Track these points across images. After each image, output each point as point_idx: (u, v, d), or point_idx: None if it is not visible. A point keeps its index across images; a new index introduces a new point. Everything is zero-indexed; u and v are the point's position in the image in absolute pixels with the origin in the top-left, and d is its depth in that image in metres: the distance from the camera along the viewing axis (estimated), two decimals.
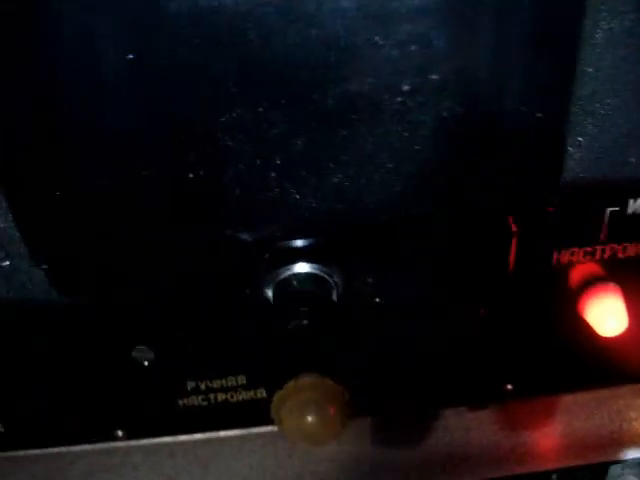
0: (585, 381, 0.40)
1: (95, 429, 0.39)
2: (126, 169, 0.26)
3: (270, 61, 0.24)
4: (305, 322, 0.30)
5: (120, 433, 0.39)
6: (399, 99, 0.26)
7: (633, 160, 0.31)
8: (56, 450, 0.40)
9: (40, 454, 0.40)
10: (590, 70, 0.29)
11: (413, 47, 0.24)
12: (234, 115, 0.25)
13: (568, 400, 0.41)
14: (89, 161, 0.26)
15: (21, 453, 0.40)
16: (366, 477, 0.38)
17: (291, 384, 0.35)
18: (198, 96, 0.24)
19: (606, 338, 0.35)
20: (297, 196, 0.28)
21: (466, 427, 0.40)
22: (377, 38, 0.24)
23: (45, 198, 0.26)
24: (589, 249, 0.34)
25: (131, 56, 0.23)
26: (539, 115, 0.27)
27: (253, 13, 0.23)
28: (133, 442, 0.39)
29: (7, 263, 0.31)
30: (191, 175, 0.26)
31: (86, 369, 0.36)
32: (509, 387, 0.39)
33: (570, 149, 0.30)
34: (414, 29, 0.24)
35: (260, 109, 0.25)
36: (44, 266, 0.29)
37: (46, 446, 0.40)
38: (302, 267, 0.30)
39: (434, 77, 0.25)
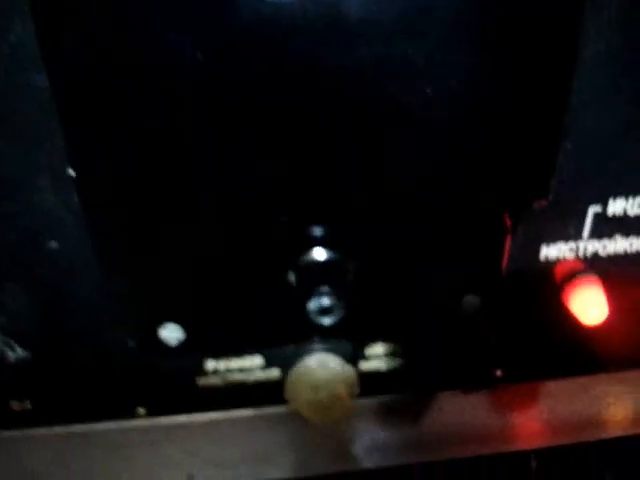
0: (568, 368, 0.44)
1: (117, 407, 0.42)
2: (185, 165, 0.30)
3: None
4: (323, 301, 0.33)
5: (141, 411, 0.42)
6: (404, 105, 0.30)
7: (614, 165, 0.35)
8: (79, 427, 0.43)
9: (64, 431, 0.43)
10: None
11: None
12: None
13: (552, 386, 0.44)
14: None
15: (46, 430, 0.43)
16: (369, 452, 0.42)
17: (304, 364, 0.39)
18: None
19: (588, 327, 0.39)
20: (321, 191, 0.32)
21: (460, 409, 0.43)
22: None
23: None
24: (573, 245, 0.38)
25: None
26: (537, 124, 0.31)
27: None
28: (153, 420, 0.42)
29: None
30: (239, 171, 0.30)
31: (113, 349, 0.39)
32: (499, 373, 0.43)
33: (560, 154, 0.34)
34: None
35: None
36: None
37: (70, 423, 0.43)
38: (320, 253, 0.34)
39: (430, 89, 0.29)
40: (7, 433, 0.42)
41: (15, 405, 0.41)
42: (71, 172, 0.29)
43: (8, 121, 0.30)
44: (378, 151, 0.31)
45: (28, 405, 0.41)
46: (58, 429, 0.43)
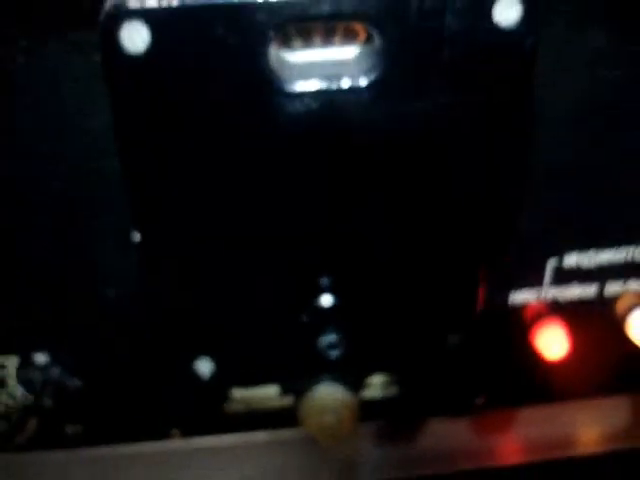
0: (540, 397, 0.51)
1: (155, 429, 0.49)
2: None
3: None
4: (332, 337, 0.41)
5: (176, 432, 0.49)
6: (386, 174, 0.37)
7: (567, 224, 0.43)
8: (121, 449, 0.50)
9: (108, 452, 0.50)
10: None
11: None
12: None
13: (526, 412, 0.51)
14: None
15: (92, 450, 0.50)
16: (370, 469, 0.49)
17: (314, 392, 0.46)
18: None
19: (552, 361, 0.46)
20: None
21: (447, 431, 0.50)
22: None
23: None
24: (536, 292, 0.45)
25: None
26: (505, 198, 0.39)
27: None
28: (186, 441, 0.50)
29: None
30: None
31: (154, 378, 0.46)
32: (480, 401, 0.49)
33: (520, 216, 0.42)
34: None
35: None
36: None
37: (114, 443, 0.50)
38: (328, 299, 0.42)
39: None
40: (58, 454, 0.50)
41: (69, 429, 0.48)
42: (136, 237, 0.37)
43: (80, 199, 0.38)
44: (375, 224, 0.39)
45: (80, 429, 0.48)
46: (103, 450, 0.50)
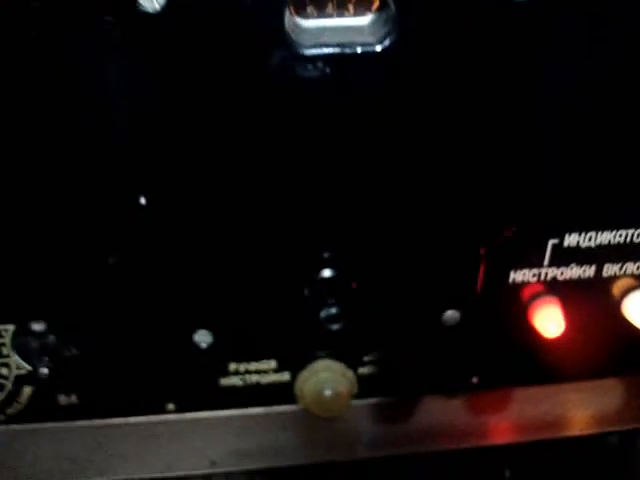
0: (535, 378, 0.51)
1: (150, 402, 0.49)
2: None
3: None
4: (332, 310, 0.41)
5: (171, 406, 0.49)
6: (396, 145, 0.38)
7: (569, 204, 0.43)
8: (117, 420, 0.50)
9: (103, 423, 0.50)
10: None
11: None
12: None
13: (522, 392, 0.51)
14: None
15: (87, 422, 0.49)
16: (363, 446, 0.49)
17: (312, 366, 0.46)
18: None
19: (549, 340, 0.46)
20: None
21: (442, 410, 0.50)
22: None
23: None
24: (536, 271, 0.45)
25: None
26: (507, 175, 0.39)
27: None
28: (181, 415, 0.49)
29: None
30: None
31: (151, 351, 0.46)
32: (475, 380, 0.50)
33: (522, 196, 0.42)
34: None
35: None
36: None
37: (110, 416, 0.50)
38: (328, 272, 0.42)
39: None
40: (53, 424, 0.49)
41: (62, 399, 0.48)
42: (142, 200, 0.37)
43: (79, 164, 0.38)
44: (377, 201, 0.40)
45: (74, 400, 0.48)
46: (98, 421, 0.49)
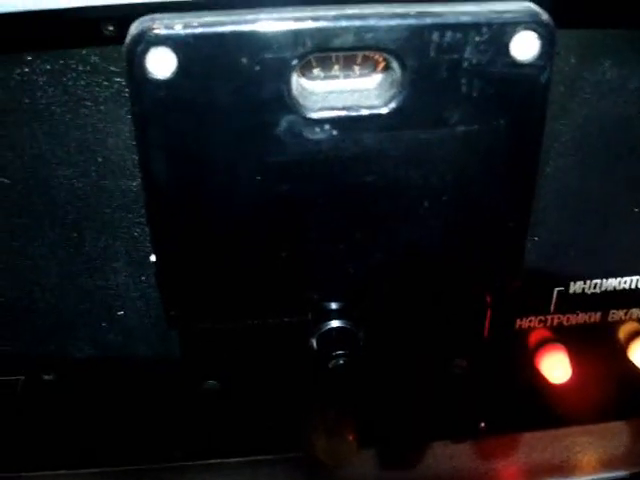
0: (542, 422, 0.51)
1: (159, 451, 0.49)
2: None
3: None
4: (340, 361, 0.41)
5: (178, 454, 0.49)
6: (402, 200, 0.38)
7: (572, 254, 0.44)
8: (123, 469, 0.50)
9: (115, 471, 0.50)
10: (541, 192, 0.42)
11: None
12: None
13: (528, 436, 0.52)
14: None
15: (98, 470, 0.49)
16: None
17: (322, 416, 0.46)
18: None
19: (555, 385, 0.47)
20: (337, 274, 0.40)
21: (450, 455, 0.50)
22: None
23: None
24: (542, 318, 0.46)
25: None
26: (509, 224, 0.39)
27: None
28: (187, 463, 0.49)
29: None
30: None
31: (164, 400, 0.46)
32: (483, 425, 0.51)
33: (528, 245, 0.43)
34: None
35: None
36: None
37: (117, 466, 0.50)
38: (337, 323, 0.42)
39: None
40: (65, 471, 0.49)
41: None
42: (152, 258, 0.37)
43: (97, 215, 0.39)
44: (384, 254, 0.39)
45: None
46: (110, 469, 0.49)
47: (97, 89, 0.36)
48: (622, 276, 0.45)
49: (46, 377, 0.44)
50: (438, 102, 0.34)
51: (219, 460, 0.50)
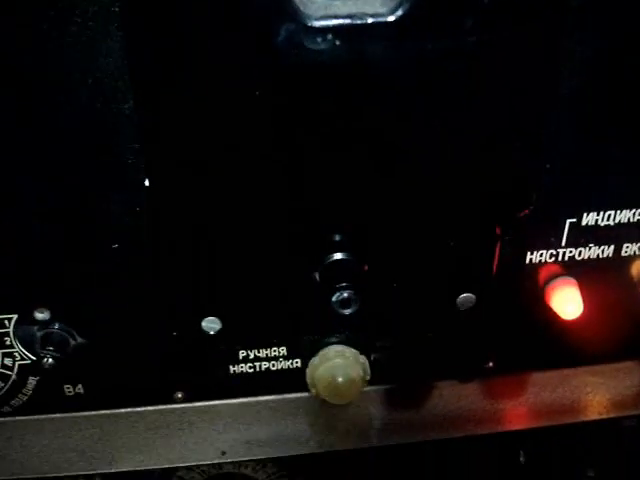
0: (551, 361, 0.50)
1: (159, 392, 0.48)
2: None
3: None
4: (344, 294, 0.40)
5: (180, 395, 0.48)
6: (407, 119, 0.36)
7: (586, 182, 0.42)
8: (124, 410, 0.49)
9: (110, 413, 0.49)
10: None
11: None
12: None
13: (538, 376, 0.51)
14: None
15: (93, 412, 0.49)
16: (376, 433, 0.48)
17: (324, 352, 0.45)
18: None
19: (567, 322, 0.45)
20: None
21: (457, 395, 0.49)
22: None
23: None
24: (553, 252, 0.44)
25: None
26: (518, 148, 0.38)
27: None
28: (189, 404, 0.48)
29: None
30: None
31: (159, 339, 0.45)
32: (491, 365, 0.49)
33: (539, 172, 0.41)
34: None
35: None
36: None
37: (115, 407, 0.49)
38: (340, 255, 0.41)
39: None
40: (58, 415, 0.48)
41: (68, 390, 0.47)
42: (147, 182, 0.36)
43: (94, 141, 0.37)
44: (389, 180, 0.38)
45: (80, 390, 0.47)
46: (105, 412, 0.48)
47: (85, 3, 0.34)
48: (638, 207, 0.43)
49: (39, 315, 0.43)
50: (448, 10, 0.32)
51: (221, 401, 0.49)
